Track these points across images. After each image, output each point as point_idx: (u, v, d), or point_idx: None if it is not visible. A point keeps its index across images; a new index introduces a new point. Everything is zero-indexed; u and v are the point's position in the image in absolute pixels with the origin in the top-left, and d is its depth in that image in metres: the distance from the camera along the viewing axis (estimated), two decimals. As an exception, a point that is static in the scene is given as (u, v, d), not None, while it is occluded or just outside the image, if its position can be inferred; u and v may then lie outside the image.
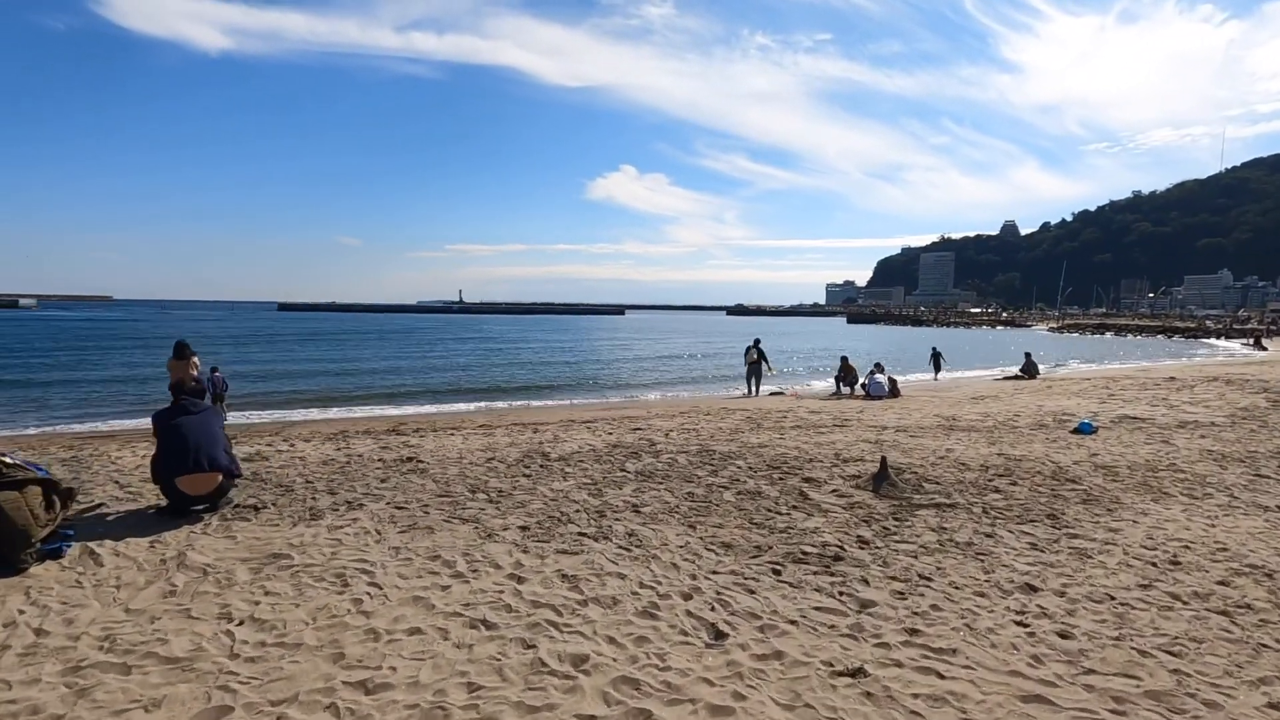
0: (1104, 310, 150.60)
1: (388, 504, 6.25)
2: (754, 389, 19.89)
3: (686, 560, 4.92)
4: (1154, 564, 4.92)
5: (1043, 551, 5.14)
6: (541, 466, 7.99)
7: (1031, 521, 5.87)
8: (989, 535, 5.50)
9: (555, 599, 4.21)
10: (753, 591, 4.36)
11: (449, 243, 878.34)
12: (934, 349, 28.22)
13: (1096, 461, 8.34)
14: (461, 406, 18.91)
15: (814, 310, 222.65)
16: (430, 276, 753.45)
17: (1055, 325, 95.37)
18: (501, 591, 4.32)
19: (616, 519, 5.87)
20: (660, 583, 4.49)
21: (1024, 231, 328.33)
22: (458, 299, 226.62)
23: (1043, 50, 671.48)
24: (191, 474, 5.68)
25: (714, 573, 4.68)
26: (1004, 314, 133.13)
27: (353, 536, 5.36)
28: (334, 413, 17.28)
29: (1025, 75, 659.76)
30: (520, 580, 4.52)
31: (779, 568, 4.78)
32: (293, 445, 9.69)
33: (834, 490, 6.82)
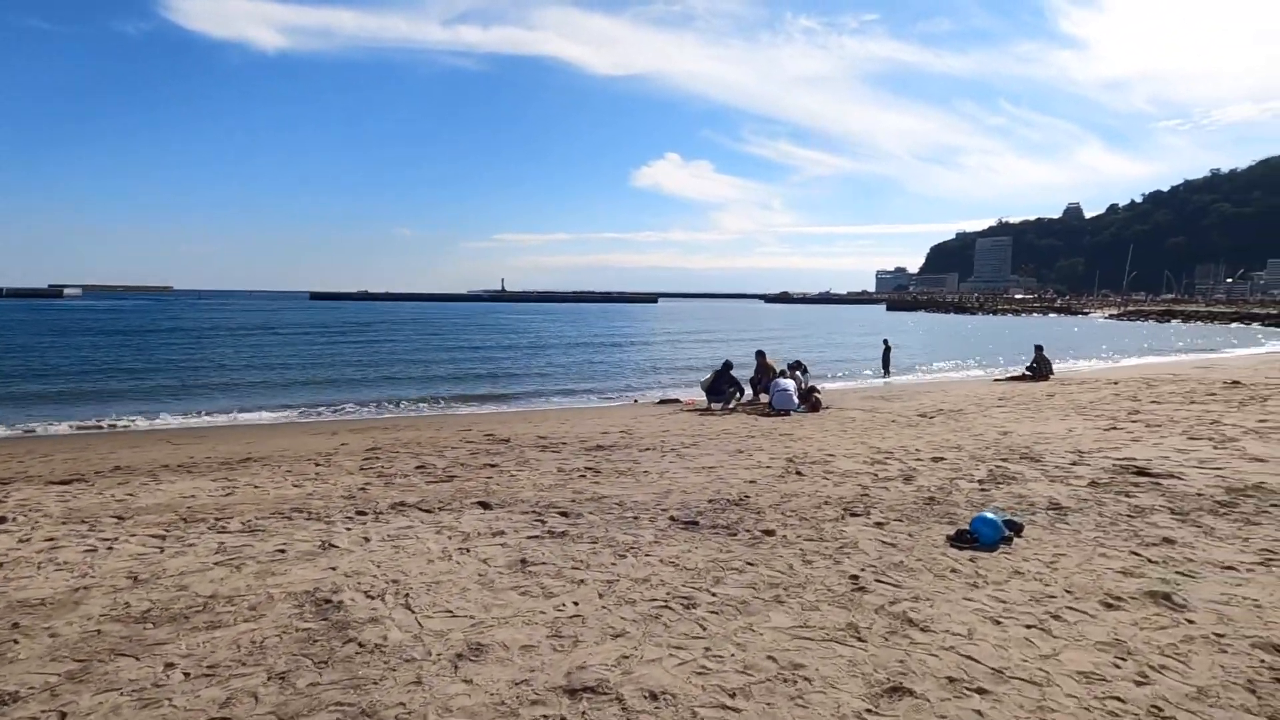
0: (1173, 296, 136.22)
1: None
2: (723, 405, 12.97)
3: None
4: None
5: None
6: None
7: None
8: None
9: None
10: None
11: (496, 232, 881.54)
12: (885, 342, 22.93)
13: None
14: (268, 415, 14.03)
15: (850, 298, 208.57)
16: (479, 266, 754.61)
17: (1116, 312, 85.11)
18: None
19: None
20: None
21: (1089, 215, 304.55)
22: (500, 288, 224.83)
23: (1108, 23, 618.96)
24: None
25: None
26: (1057, 300, 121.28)
27: None
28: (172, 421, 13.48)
29: (1089, 50, 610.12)
30: None
31: None
32: None
33: None
